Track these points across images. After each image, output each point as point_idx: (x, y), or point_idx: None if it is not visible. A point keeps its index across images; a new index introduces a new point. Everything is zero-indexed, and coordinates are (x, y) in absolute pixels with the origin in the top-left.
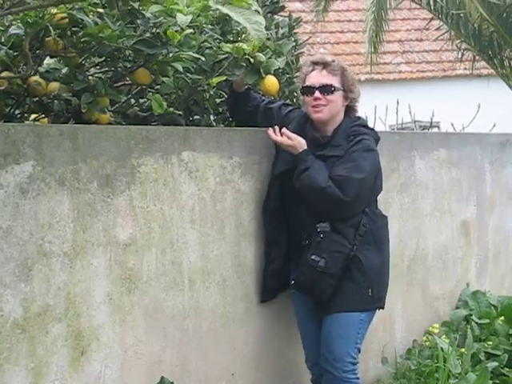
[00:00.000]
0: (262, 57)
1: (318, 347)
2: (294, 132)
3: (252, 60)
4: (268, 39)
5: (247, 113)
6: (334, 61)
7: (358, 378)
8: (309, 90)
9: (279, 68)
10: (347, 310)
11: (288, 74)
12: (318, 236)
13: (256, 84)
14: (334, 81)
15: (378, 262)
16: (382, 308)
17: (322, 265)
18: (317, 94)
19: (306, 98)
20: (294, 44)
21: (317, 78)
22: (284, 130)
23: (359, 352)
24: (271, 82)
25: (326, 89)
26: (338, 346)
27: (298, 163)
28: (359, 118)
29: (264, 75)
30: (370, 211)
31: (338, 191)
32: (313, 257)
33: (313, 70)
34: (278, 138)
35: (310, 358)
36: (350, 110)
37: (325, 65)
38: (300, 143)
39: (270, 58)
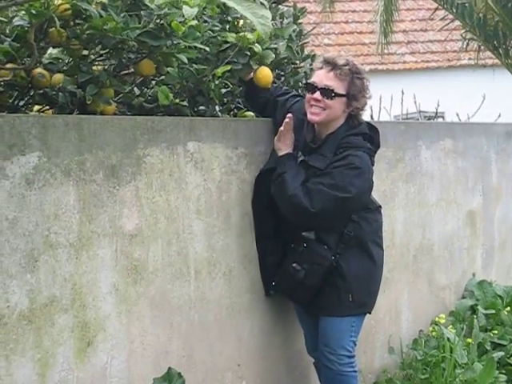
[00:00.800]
0: (257, 47)
1: (315, 336)
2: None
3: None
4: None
5: (259, 104)
6: (345, 65)
7: (355, 371)
8: (310, 88)
9: (286, 69)
10: (331, 315)
11: (293, 63)
12: (302, 244)
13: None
14: (339, 86)
15: (363, 268)
16: (369, 313)
17: (301, 276)
18: (317, 94)
19: (307, 94)
20: (298, 30)
21: (322, 78)
22: (282, 127)
23: (355, 345)
24: (264, 74)
25: (327, 92)
26: (333, 340)
27: (278, 165)
28: (360, 124)
29: (255, 67)
30: (359, 217)
31: (306, 200)
32: (294, 265)
33: (321, 68)
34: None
35: (308, 345)
36: (351, 117)
37: (334, 66)
38: (286, 145)
39: (266, 48)
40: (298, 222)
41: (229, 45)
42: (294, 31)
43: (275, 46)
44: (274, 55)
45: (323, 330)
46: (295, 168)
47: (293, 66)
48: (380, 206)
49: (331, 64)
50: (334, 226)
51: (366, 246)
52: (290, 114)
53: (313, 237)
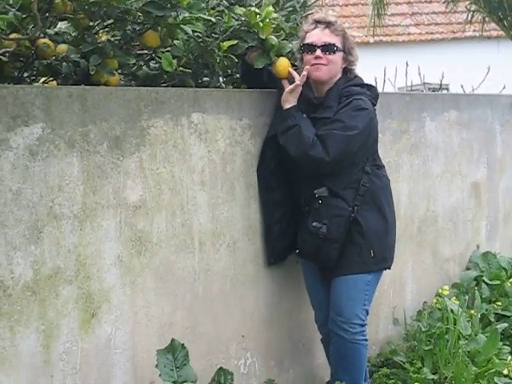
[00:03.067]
0: (273, 39)
1: (327, 309)
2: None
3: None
4: (286, 21)
5: (258, 80)
6: (336, 21)
7: (366, 340)
8: (310, 48)
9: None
10: (352, 272)
11: None
12: (317, 202)
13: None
14: (337, 41)
15: (379, 223)
16: (389, 268)
17: (323, 231)
18: (318, 52)
19: (306, 56)
20: (302, 1)
21: (319, 36)
22: (298, 80)
23: (367, 314)
24: (283, 65)
25: (329, 48)
26: (347, 308)
27: (285, 118)
28: (355, 76)
29: (275, 58)
30: (371, 170)
31: (322, 147)
32: (314, 223)
33: (315, 28)
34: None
35: (318, 319)
36: (347, 71)
37: (328, 24)
38: (295, 98)
39: (283, 39)
40: (313, 170)
41: (237, 20)
42: (298, 2)
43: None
44: (291, 46)
45: (337, 294)
46: (306, 119)
47: None
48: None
49: (324, 22)
50: (350, 176)
51: (380, 201)
52: (308, 67)
53: (326, 193)
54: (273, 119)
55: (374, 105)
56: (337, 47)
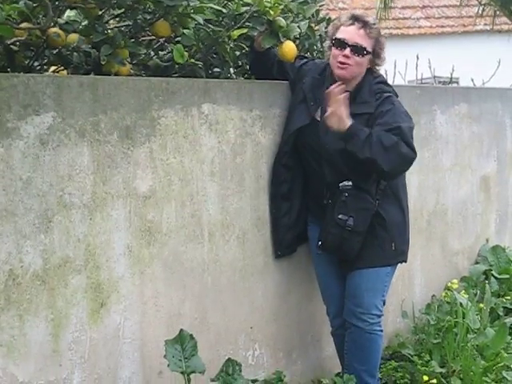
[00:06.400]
0: (282, 21)
1: (339, 302)
2: (309, 86)
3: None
4: (292, 1)
5: (266, 69)
6: (374, 24)
7: (382, 331)
8: (340, 44)
9: (301, 33)
10: (374, 265)
11: (310, 39)
12: (343, 195)
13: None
14: (368, 44)
15: (399, 217)
16: (405, 261)
17: (350, 223)
18: (347, 51)
19: (334, 50)
20: (318, 8)
21: (353, 35)
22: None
23: (384, 304)
24: (289, 48)
25: (359, 50)
26: (367, 299)
27: (353, 135)
28: (379, 74)
29: (283, 40)
30: None
31: (407, 147)
32: (340, 216)
33: (351, 25)
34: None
35: (331, 312)
36: (371, 68)
37: (365, 24)
38: (347, 116)
39: (291, 22)
40: (403, 169)
41: (247, 8)
42: None
43: (297, 24)
44: (298, 29)
45: (357, 286)
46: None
47: (309, 41)
48: None
49: (362, 21)
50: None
51: (399, 194)
52: (340, 86)
53: (351, 186)
54: (290, 114)
55: None
56: (367, 51)
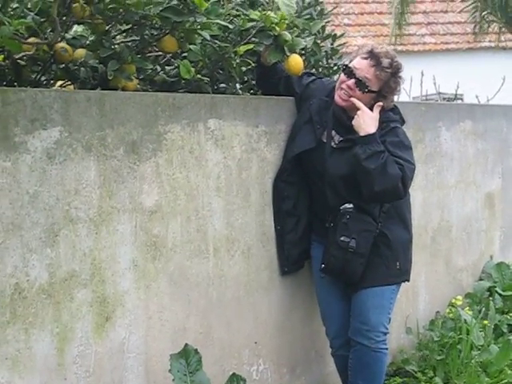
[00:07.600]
0: (287, 35)
1: (341, 322)
2: (317, 108)
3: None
4: (298, 17)
5: (272, 84)
6: (388, 68)
7: (387, 349)
8: (348, 72)
9: (307, 48)
10: (379, 284)
11: (316, 55)
12: (344, 217)
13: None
14: (375, 83)
15: (404, 236)
16: (408, 281)
17: (353, 245)
18: (351, 82)
19: (342, 76)
20: (319, 9)
21: (362, 68)
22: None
23: (389, 322)
24: (296, 61)
25: (362, 85)
26: (374, 317)
27: (370, 142)
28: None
29: (288, 54)
30: None
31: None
32: (342, 238)
33: (366, 59)
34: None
35: (330, 332)
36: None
37: (377, 64)
38: (377, 121)
39: (297, 36)
40: (391, 199)
41: (253, 24)
42: (315, 10)
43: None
44: (304, 43)
45: (363, 304)
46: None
47: (315, 56)
48: None
49: (376, 61)
50: None
51: (403, 214)
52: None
53: (352, 209)
54: (293, 133)
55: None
56: (369, 90)
